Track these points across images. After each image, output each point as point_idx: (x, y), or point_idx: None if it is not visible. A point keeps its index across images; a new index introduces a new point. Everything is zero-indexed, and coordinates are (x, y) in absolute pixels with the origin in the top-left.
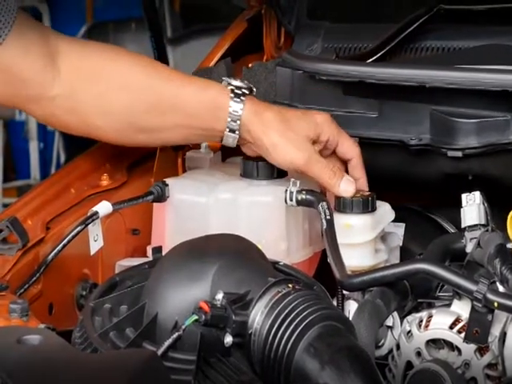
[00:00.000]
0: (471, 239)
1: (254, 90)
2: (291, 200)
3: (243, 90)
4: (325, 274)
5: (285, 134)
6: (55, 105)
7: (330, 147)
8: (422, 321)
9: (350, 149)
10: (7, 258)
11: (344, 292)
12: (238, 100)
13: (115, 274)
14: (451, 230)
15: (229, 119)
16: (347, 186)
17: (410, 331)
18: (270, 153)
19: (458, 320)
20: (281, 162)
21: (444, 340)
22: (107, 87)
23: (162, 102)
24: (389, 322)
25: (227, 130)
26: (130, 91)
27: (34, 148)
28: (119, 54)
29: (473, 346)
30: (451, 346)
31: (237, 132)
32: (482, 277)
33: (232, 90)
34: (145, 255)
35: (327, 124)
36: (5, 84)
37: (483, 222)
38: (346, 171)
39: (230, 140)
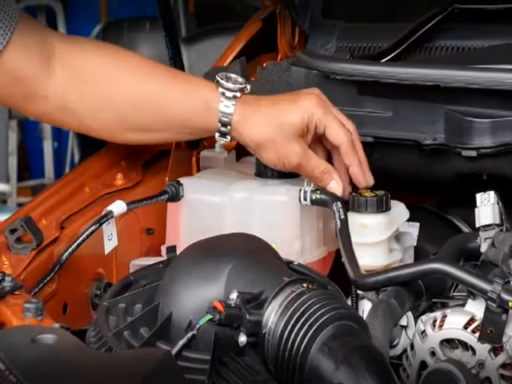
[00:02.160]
0: (486, 239)
1: (248, 87)
2: (305, 199)
3: (234, 93)
4: (339, 274)
5: (274, 135)
6: (48, 104)
7: (318, 132)
8: (436, 320)
9: (336, 135)
10: (22, 258)
11: (358, 291)
12: (229, 104)
13: (129, 274)
14: (466, 229)
15: (219, 124)
16: (334, 189)
17: (424, 331)
18: (261, 155)
19: (472, 320)
20: (273, 163)
21: (458, 340)
22: (97, 89)
23: (151, 103)
24: (403, 321)
25: (217, 134)
26: (119, 93)
27: (48, 147)
28: (113, 55)
29: (487, 346)
30: (465, 346)
31: (227, 136)
32: (496, 277)
33: (223, 93)
34: (159, 254)
35: (314, 109)
36: (4, 85)
37: (498, 221)
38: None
39: (222, 142)
